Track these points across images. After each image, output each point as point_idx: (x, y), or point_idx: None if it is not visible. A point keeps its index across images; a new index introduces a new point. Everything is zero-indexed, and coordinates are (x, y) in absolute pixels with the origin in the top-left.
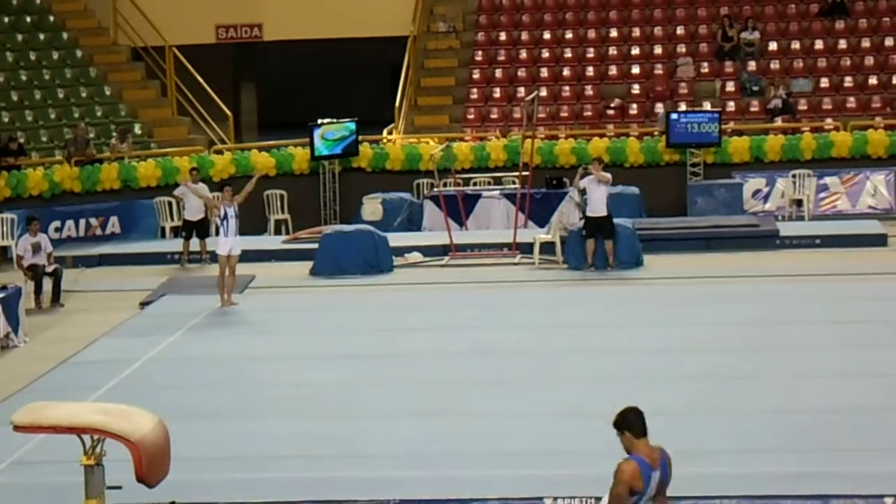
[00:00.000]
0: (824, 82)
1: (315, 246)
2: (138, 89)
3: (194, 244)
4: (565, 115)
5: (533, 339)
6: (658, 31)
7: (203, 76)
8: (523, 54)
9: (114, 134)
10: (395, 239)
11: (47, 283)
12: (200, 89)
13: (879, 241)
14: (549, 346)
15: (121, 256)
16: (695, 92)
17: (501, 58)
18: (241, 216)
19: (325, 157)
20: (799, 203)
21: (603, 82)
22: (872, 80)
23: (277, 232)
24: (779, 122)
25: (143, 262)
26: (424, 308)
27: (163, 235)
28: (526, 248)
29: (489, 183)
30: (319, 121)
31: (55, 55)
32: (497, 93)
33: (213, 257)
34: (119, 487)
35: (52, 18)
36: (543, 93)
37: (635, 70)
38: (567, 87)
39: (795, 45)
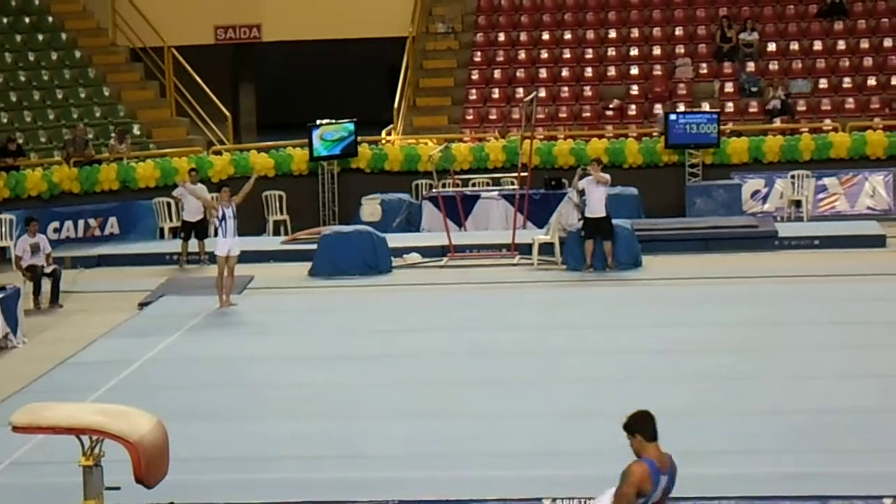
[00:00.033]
0: (823, 83)
1: (314, 247)
2: (137, 90)
3: (193, 245)
4: (564, 115)
5: (532, 340)
6: (657, 31)
7: (202, 77)
8: (522, 55)
9: (112, 134)
10: (394, 240)
11: (46, 284)
12: (199, 90)
13: (878, 241)
14: (547, 347)
15: (119, 257)
16: (693, 93)
17: (500, 59)
18: (239, 217)
19: (323, 157)
20: (798, 204)
21: (602, 83)
22: (871, 81)
23: (276, 233)
24: (777, 123)
25: (141, 262)
26: (423, 309)
27: (161, 236)
28: (525, 249)
29: (488, 184)
30: (318, 121)
31: (54, 56)
32: (496, 94)
33: (212, 258)
34: (118, 488)
35: (50, 19)
36: (542, 94)
37: (634, 71)
38: (566, 88)
39: (794, 45)
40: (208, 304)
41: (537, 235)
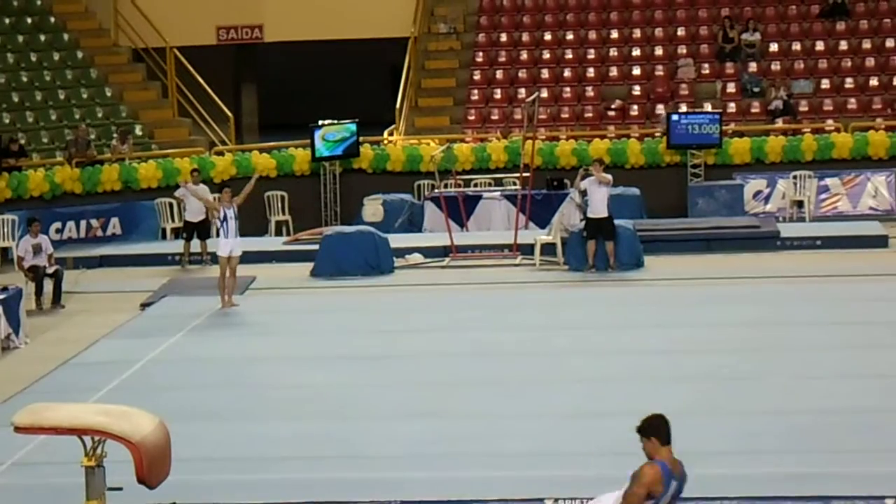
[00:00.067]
0: (825, 83)
1: (316, 247)
2: (139, 90)
3: (195, 245)
4: (566, 116)
5: (533, 341)
6: (659, 32)
7: (204, 77)
8: (524, 55)
9: (115, 135)
10: (396, 240)
11: (48, 285)
12: (201, 90)
13: (880, 242)
14: (549, 348)
15: (122, 258)
16: (695, 93)
17: (502, 59)
18: (242, 217)
19: (325, 158)
20: (800, 204)
21: (604, 83)
22: (873, 82)
23: (278, 233)
24: (779, 124)
25: (143, 263)
26: (425, 309)
27: (163, 237)
28: (527, 250)
29: (490, 184)
30: (320, 122)
31: (56, 56)
32: (498, 94)
33: (214, 258)
34: (120, 489)
35: (52, 20)
36: (544, 94)
37: (636, 71)
38: (568, 89)
39: (796, 46)
40: (210, 305)
41: (539, 236)
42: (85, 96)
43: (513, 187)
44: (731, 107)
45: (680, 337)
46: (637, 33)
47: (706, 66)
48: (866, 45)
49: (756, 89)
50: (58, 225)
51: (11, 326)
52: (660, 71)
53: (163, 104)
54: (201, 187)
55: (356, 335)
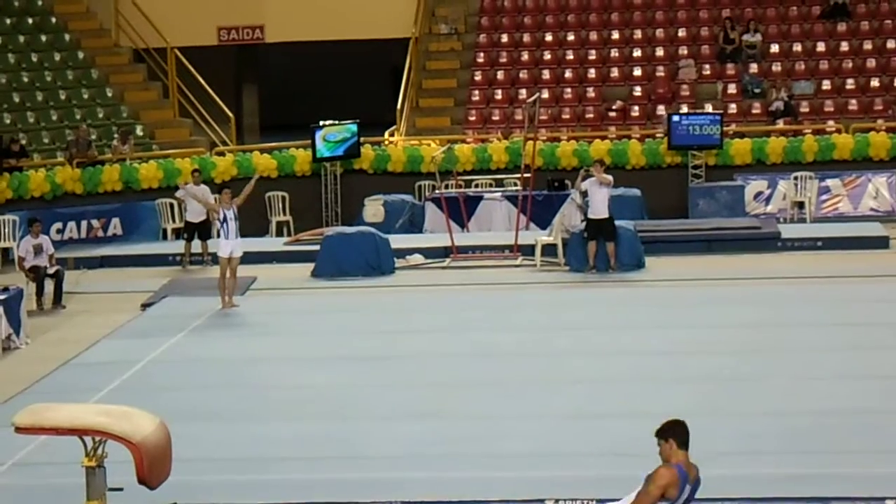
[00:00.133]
0: (826, 84)
1: (316, 248)
2: (140, 91)
3: (196, 246)
4: (567, 117)
5: (534, 341)
6: (660, 33)
7: (205, 78)
8: (525, 56)
9: (115, 135)
10: (397, 241)
11: (49, 285)
12: (202, 91)
13: (881, 243)
14: (550, 348)
15: (122, 258)
16: (696, 94)
17: (503, 60)
18: (242, 218)
19: (326, 158)
20: (801, 205)
21: (605, 84)
22: (874, 83)
23: (279, 234)
24: (780, 125)
25: (144, 263)
26: (426, 310)
27: (164, 237)
28: (527, 250)
29: (491, 185)
30: (321, 122)
31: (57, 57)
32: (499, 95)
33: (215, 259)
34: (120, 489)
35: (53, 20)
36: (545, 95)
37: (637, 72)
38: (569, 89)
39: (797, 47)
40: (211, 305)
41: (540, 236)
42: (86, 97)
43: (514, 188)
44: (732, 108)
45: (680, 338)
46: (638, 34)
47: (707, 67)
48: (867, 46)
49: (757, 90)
50: (59, 225)
51: (12, 327)
52: (661, 72)
53: (164, 104)
54: (202, 188)
55: (357, 336)
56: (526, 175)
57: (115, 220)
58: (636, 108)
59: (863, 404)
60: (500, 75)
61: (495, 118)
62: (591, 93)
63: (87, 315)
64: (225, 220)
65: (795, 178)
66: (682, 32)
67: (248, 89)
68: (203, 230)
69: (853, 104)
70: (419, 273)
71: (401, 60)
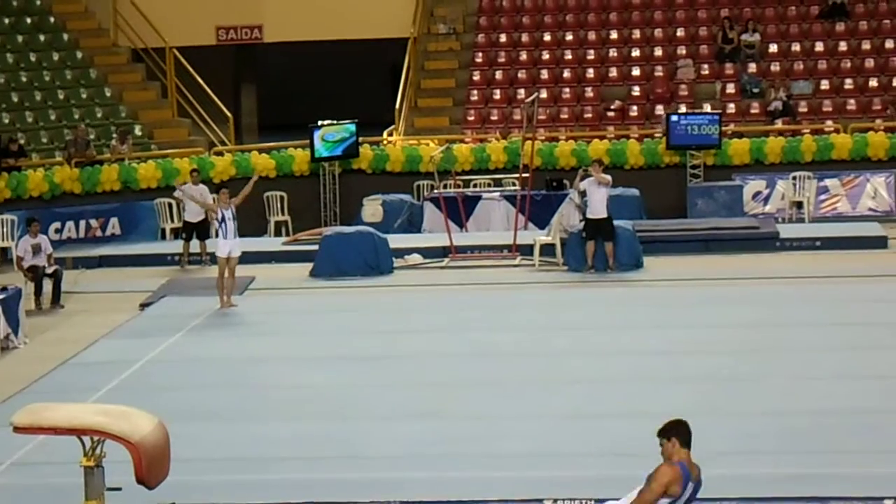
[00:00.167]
0: (824, 84)
1: (315, 247)
2: (138, 91)
3: (194, 246)
4: (565, 116)
5: (533, 341)
6: (658, 33)
7: (203, 78)
8: (523, 56)
9: (114, 135)
10: (396, 240)
11: (47, 285)
12: (201, 91)
13: (879, 243)
14: (548, 348)
15: (121, 258)
16: (695, 94)
17: (502, 59)
18: (241, 218)
19: (325, 158)
20: (799, 205)
21: (603, 84)
22: (873, 83)
23: (277, 233)
24: (779, 125)
25: (143, 263)
26: (424, 310)
27: (163, 237)
28: (526, 250)
29: (489, 185)
30: (319, 122)
31: (55, 56)
32: (497, 94)
33: (214, 259)
34: (119, 489)
35: (52, 20)
36: (543, 94)
37: (635, 72)
38: (567, 89)
39: (796, 47)
40: (209, 305)
41: (539, 236)
42: (84, 96)
43: (512, 188)
44: (731, 107)
45: (679, 338)
46: (636, 34)
47: (705, 66)
48: (866, 46)
49: (755, 90)
50: (57, 225)
51: (10, 326)
52: (659, 72)
53: (162, 104)
54: (201, 187)
55: (355, 335)
56: (524, 175)
57: (114, 220)
58: (634, 107)
59: (861, 404)
60: (498, 75)
61: (494, 118)
62: (589, 92)
63: (86, 315)
64: (223, 219)
65: (794, 178)
66: (680, 32)
67: (246, 89)
68: (201, 230)
69: (852, 104)
70: (418, 273)
71: (399, 60)
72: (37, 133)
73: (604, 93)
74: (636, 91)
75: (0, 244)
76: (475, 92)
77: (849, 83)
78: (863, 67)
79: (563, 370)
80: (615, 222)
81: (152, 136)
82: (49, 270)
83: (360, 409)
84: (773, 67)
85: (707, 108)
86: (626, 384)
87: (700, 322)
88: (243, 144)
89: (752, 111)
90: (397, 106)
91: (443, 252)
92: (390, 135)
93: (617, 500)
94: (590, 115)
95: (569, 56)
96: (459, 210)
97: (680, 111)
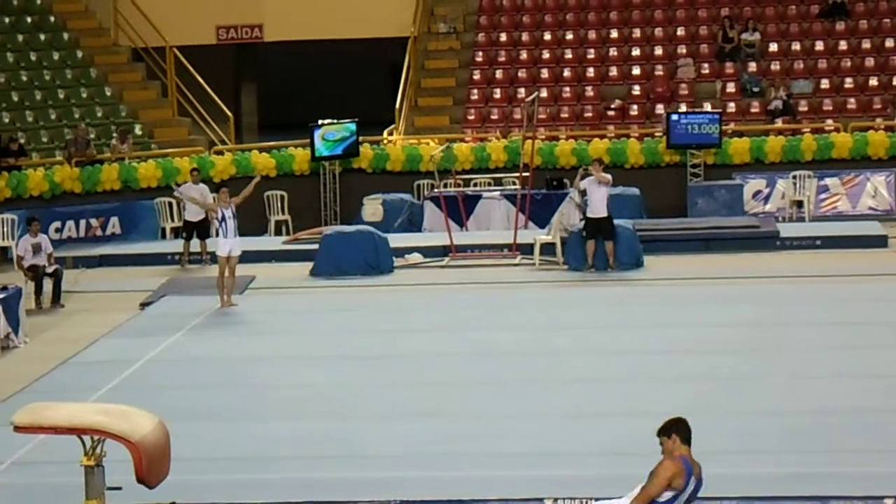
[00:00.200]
0: (825, 83)
1: (315, 247)
2: (139, 90)
3: (195, 245)
4: (566, 116)
5: (533, 340)
6: (658, 32)
7: (203, 77)
8: (524, 55)
9: (114, 134)
10: (396, 240)
11: (48, 284)
12: (201, 90)
13: (880, 242)
14: (549, 347)
15: (121, 257)
16: (695, 93)
17: (502, 59)
18: (241, 217)
19: (325, 157)
20: (799, 204)
21: (603, 83)
22: (873, 82)
23: (278, 233)
24: (779, 124)
25: (143, 262)
26: (425, 309)
27: (163, 236)
28: (526, 249)
29: (489, 184)
30: (320, 121)
31: (56, 56)
32: (497, 94)
33: (214, 258)
34: (119, 488)
35: (52, 19)
36: (544, 94)
37: (636, 71)
38: (567, 88)
39: (796, 46)
40: (210, 304)
41: (539, 235)
42: (84, 96)
43: (512, 187)
44: (731, 107)
45: (679, 337)
46: (637, 33)
47: (706, 65)
48: (866, 44)
49: (756, 89)
50: (57, 224)
51: (11, 326)
52: (659, 71)
53: (162, 104)
54: (201, 187)
55: (356, 335)
56: (525, 174)
57: (114, 219)
58: (635, 106)
59: (861, 403)
60: (498, 74)
61: (494, 117)
62: (589, 92)
63: (86, 314)
64: (223, 219)
65: (794, 177)
66: (680, 31)
67: (246, 88)
68: (202, 229)
69: (852, 103)
70: (418, 272)
71: (399, 59)
72: (37, 132)
73: (604, 92)
74: (636, 90)
75: (0, 243)
76: (475, 91)
77: (849, 82)
78: (863, 66)
79: (563, 369)
80: (615, 221)
81: (152, 135)
82: (49, 270)
83: (360, 409)
84: (773, 66)
85: (707, 107)
86: (627, 383)
87: (700, 321)
88: (243, 144)
89: (753, 110)
90: (397, 105)
91: (443, 251)
92: (390, 134)
93: (618, 498)
94: (590, 115)
95: (569, 55)
96: (460, 209)
97: (680, 110)
